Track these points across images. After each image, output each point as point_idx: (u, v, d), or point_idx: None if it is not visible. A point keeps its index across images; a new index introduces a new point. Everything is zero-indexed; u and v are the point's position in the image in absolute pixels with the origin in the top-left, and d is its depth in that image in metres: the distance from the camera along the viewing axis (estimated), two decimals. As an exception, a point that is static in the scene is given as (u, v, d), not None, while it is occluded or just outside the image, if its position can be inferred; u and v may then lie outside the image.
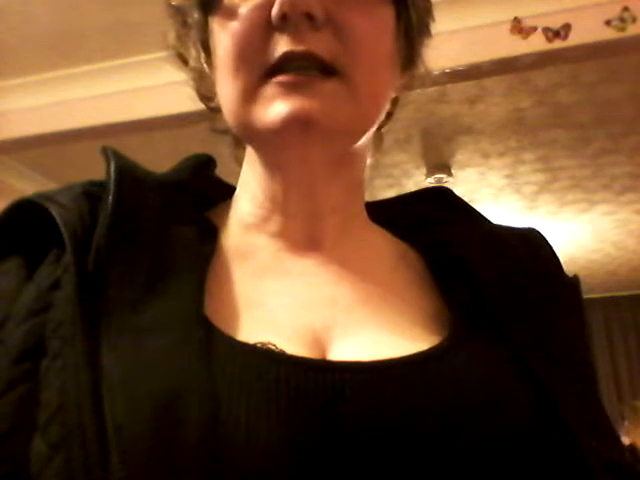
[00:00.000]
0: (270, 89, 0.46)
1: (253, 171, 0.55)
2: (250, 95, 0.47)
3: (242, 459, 0.38)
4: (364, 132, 0.52)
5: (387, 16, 0.50)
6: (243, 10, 0.48)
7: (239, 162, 0.58)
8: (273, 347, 0.43)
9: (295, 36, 0.46)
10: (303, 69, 0.46)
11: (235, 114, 0.49)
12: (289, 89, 0.46)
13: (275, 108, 0.46)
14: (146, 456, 0.37)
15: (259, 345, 0.43)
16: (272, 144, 0.49)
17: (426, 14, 0.55)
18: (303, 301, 0.49)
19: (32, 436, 0.40)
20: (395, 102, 0.57)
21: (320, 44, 0.46)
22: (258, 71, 0.47)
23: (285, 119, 0.46)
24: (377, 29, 0.49)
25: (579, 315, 0.56)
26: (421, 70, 0.56)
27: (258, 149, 0.53)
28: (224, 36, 0.49)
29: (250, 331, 0.45)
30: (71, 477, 0.38)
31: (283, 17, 0.46)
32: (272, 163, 0.52)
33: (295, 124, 0.46)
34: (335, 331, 0.47)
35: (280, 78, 0.46)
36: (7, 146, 3.02)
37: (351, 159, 0.53)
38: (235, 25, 0.48)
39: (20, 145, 3.01)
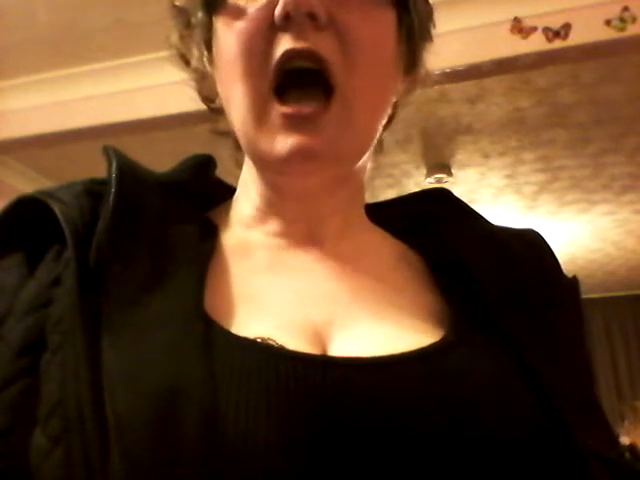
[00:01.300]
0: (276, 118, 0.48)
1: (252, 177, 0.55)
2: (257, 117, 0.48)
3: (241, 454, 0.38)
4: (365, 152, 0.53)
5: (389, 20, 0.51)
6: (248, 11, 0.48)
7: (239, 165, 0.58)
8: (273, 343, 0.43)
9: (297, 34, 0.46)
10: (306, 95, 0.47)
11: (243, 134, 0.51)
12: (293, 122, 0.47)
13: (279, 142, 0.48)
14: (145, 450, 0.37)
15: (259, 340, 0.43)
16: (275, 170, 0.50)
17: (427, 19, 0.55)
18: (303, 297, 0.50)
19: (32, 430, 0.40)
20: (396, 106, 0.57)
21: (322, 43, 0.47)
22: (264, 78, 0.48)
23: (288, 154, 0.47)
24: (378, 33, 0.50)
25: (578, 315, 0.56)
26: (422, 74, 0.57)
27: (261, 170, 0.53)
28: (229, 36, 0.49)
29: (250, 326, 0.45)
30: (71, 470, 0.38)
31: (286, 17, 0.46)
32: (273, 183, 0.53)
33: (298, 158, 0.47)
34: (335, 326, 0.47)
35: (285, 109, 0.47)
36: (7, 146, 3.02)
37: (352, 172, 0.54)
38: (240, 25, 0.48)
39: (20, 145, 3.01)
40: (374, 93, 0.50)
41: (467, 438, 0.41)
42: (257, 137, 0.49)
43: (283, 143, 0.47)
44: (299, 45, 0.46)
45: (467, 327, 0.49)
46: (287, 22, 0.46)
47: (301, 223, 0.54)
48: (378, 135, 0.54)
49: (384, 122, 0.54)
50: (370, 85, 0.49)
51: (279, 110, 0.47)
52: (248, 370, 0.41)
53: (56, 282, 0.46)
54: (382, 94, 0.52)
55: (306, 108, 0.47)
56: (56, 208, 0.46)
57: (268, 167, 0.51)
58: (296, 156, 0.47)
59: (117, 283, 0.44)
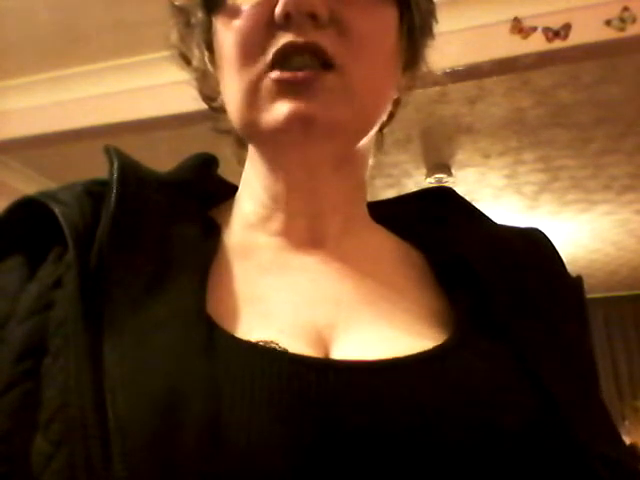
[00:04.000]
0: (271, 85, 0.47)
1: (255, 171, 0.55)
2: (253, 91, 0.48)
3: (243, 459, 0.37)
4: (364, 131, 0.52)
5: (390, 17, 0.51)
6: (247, 9, 0.48)
7: (241, 162, 0.58)
8: (275, 346, 0.43)
9: (298, 32, 0.46)
10: (301, 64, 0.46)
11: (239, 113, 0.50)
12: (288, 88, 0.46)
13: (276, 109, 0.47)
14: (147, 455, 0.37)
15: (262, 343, 0.43)
16: (274, 144, 0.50)
17: (429, 15, 0.55)
18: (306, 299, 0.49)
19: (33, 434, 0.40)
20: (397, 103, 0.57)
21: (322, 39, 0.47)
22: (261, 65, 0.47)
23: (286, 121, 0.46)
24: (379, 29, 0.50)
25: (582, 315, 0.56)
26: (423, 71, 0.56)
27: (261, 149, 0.53)
28: (228, 35, 0.49)
29: (253, 329, 0.45)
30: (73, 475, 0.38)
31: (286, 16, 0.46)
32: (274, 164, 0.53)
33: (296, 125, 0.47)
34: (338, 329, 0.47)
35: (279, 74, 0.47)
36: (7, 146, 3.02)
37: (353, 160, 0.54)
38: (239, 24, 0.48)
39: (20, 145, 3.01)
40: (372, 81, 0.50)
41: (469, 440, 0.40)
42: (254, 112, 0.48)
43: (280, 110, 0.47)
44: (299, 39, 0.46)
45: (470, 328, 0.48)
46: (287, 21, 0.46)
47: (303, 219, 0.53)
48: (377, 125, 0.53)
49: (384, 116, 0.54)
50: (368, 74, 0.49)
51: (273, 76, 0.47)
52: (251, 373, 0.40)
53: (57, 284, 0.45)
54: (381, 84, 0.52)
55: (300, 74, 0.46)
56: (57, 210, 0.46)
57: (267, 142, 0.50)
58: (293, 122, 0.46)
59: (119, 285, 0.44)
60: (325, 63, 0.47)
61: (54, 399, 0.40)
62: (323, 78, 0.47)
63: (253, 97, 0.48)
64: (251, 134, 0.51)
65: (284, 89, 0.47)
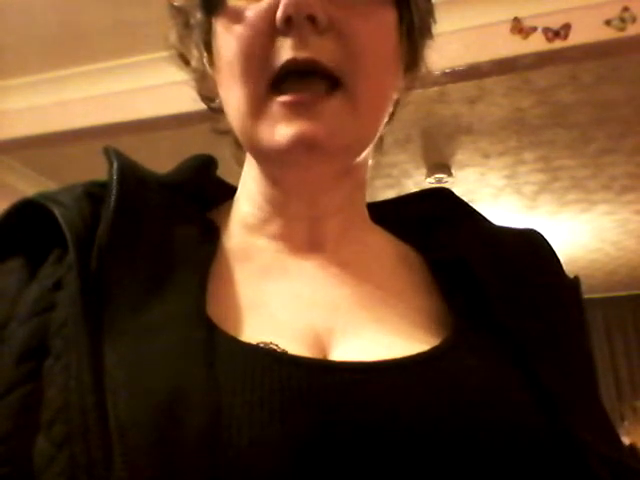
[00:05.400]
0: (275, 108, 0.47)
1: (253, 175, 0.55)
2: (256, 110, 0.48)
3: (243, 460, 0.38)
4: (367, 145, 0.52)
5: (389, 19, 0.50)
6: (248, 13, 0.48)
7: (240, 163, 0.58)
8: (275, 347, 0.43)
9: (299, 40, 0.46)
10: (306, 85, 0.46)
11: (241, 128, 0.50)
12: (293, 110, 0.46)
13: (280, 131, 0.46)
14: (148, 456, 0.37)
15: (261, 345, 0.43)
16: (276, 162, 0.50)
17: (428, 16, 0.55)
18: (305, 302, 0.50)
19: (35, 436, 0.40)
20: (397, 103, 0.57)
21: (323, 50, 0.46)
22: (263, 80, 0.47)
23: (290, 142, 0.46)
24: (379, 32, 0.50)
25: (579, 316, 0.56)
26: (423, 71, 0.56)
27: (261, 163, 0.53)
28: (229, 39, 0.49)
29: (252, 331, 0.45)
30: (74, 475, 0.38)
31: (287, 20, 0.46)
32: (274, 177, 0.53)
33: (300, 147, 0.46)
34: (336, 332, 0.47)
35: (284, 98, 0.46)
36: (7, 146, 3.02)
37: (353, 166, 0.54)
38: (240, 29, 0.48)
39: (20, 145, 3.01)
40: (376, 90, 0.50)
41: (467, 441, 0.40)
42: (256, 130, 0.48)
43: (284, 132, 0.46)
44: (301, 55, 0.46)
45: (468, 329, 0.49)
46: (288, 26, 0.46)
47: (302, 222, 0.53)
48: (380, 131, 0.53)
49: (386, 119, 0.54)
50: (372, 83, 0.49)
51: (278, 100, 0.47)
52: (251, 375, 0.41)
53: (58, 286, 0.46)
54: (384, 91, 0.52)
55: (306, 96, 0.46)
56: (57, 211, 0.46)
57: (268, 160, 0.50)
58: (298, 145, 0.46)
59: (119, 287, 0.44)
60: (328, 77, 0.47)
61: (55, 400, 0.40)
62: (328, 101, 0.47)
63: (256, 114, 0.48)
64: (252, 149, 0.51)
65: (289, 111, 0.46)
